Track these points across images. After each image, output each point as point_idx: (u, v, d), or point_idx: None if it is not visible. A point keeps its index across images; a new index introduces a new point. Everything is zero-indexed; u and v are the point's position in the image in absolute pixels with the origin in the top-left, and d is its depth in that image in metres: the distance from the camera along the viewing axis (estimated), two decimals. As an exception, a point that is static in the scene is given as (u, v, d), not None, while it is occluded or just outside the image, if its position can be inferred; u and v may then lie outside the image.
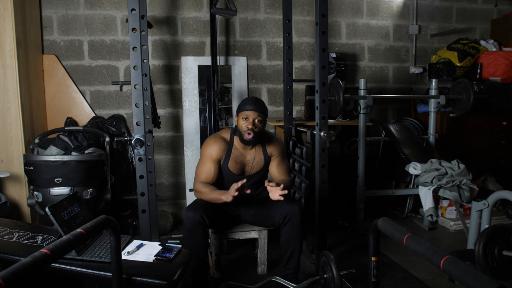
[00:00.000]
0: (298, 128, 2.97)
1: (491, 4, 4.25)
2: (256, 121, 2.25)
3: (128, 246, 1.88)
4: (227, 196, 2.08)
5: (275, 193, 2.08)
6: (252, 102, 2.28)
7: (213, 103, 3.40)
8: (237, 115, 2.32)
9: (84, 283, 2.03)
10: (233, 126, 2.38)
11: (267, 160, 2.40)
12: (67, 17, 3.35)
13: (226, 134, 2.39)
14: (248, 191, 2.08)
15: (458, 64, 3.77)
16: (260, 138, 2.34)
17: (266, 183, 2.12)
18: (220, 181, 2.36)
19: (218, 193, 2.18)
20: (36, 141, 2.84)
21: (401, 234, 1.17)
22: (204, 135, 3.52)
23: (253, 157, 2.37)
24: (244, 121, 2.25)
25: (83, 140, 2.86)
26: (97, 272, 1.67)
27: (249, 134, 2.24)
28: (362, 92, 3.24)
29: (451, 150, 3.65)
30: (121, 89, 2.92)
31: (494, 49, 3.92)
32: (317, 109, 2.45)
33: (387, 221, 1.27)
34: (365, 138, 3.30)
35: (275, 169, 2.41)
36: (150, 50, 3.47)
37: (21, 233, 1.92)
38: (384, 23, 3.99)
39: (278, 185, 2.10)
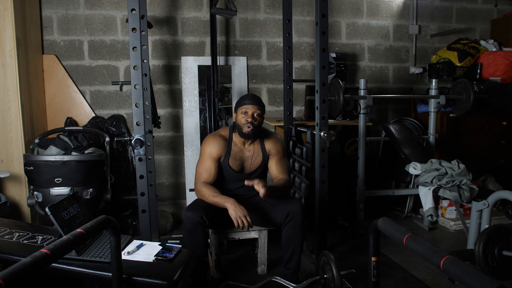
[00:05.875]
0: (298, 128, 2.97)
1: (491, 4, 4.25)
2: (255, 114, 2.29)
3: (128, 246, 1.88)
4: (236, 211, 2.11)
5: (260, 189, 2.12)
6: (250, 97, 2.33)
7: (213, 103, 3.40)
8: (236, 111, 2.35)
9: (84, 283, 2.03)
10: (232, 123, 2.39)
11: (265, 157, 2.41)
12: (67, 17, 3.35)
13: (225, 132, 2.41)
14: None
15: (458, 64, 3.76)
16: (259, 132, 2.37)
17: (247, 182, 2.16)
18: (221, 179, 2.37)
19: (222, 199, 2.18)
20: (36, 141, 2.84)
21: (401, 234, 1.17)
22: (204, 135, 3.51)
23: (252, 153, 2.38)
24: (243, 115, 2.29)
25: (83, 140, 2.86)
26: (97, 272, 1.67)
27: (248, 127, 2.27)
28: (362, 92, 3.24)
29: (451, 150, 3.65)
30: (121, 89, 2.92)
31: (494, 49, 3.92)
32: (317, 109, 2.45)
33: (387, 221, 1.27)
34: (365, 138, 3.30)
35: (273, 167, 2.41)
36: (150, 50, 3.47)
37: (21, 233, 1.92)
38: (384, 23, 3.99)
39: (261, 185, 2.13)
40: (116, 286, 1.46)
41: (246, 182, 2.16)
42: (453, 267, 0.96)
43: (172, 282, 1.63)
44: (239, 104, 2.33)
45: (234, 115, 2.38)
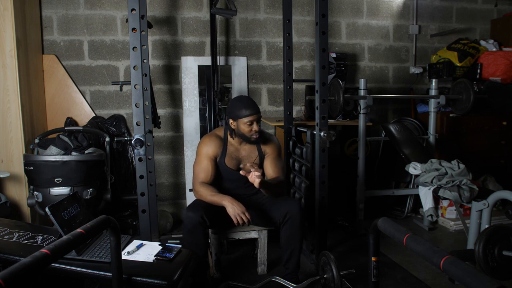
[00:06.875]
0: (298, 128, 2.97)
1: (491, 4, 4.25)
2: (258, 122, 2.29)
3: (128, 246, 1.88)
4: (233, 208, 2.13)
5: (254, 179, 2.12)
6: (249, 105, 2.27)
7: (213, 103, 3.40)
8: (235, 120, 2.28)
9: (84, 283, 2.03)
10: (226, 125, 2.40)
11: (261, 157, 2.42)
12: (67, 17, 3.35)
13: (220, 132, 2.43)
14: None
15: (458, 64, 3.76)
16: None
17: (242, 172, 2.15)
18: (219, 179, 2.38)
19: (220, 197, 2.20)
20: (36, 141, 2.84)
21: (401, 234, 1.17)
22: (204, 135, 3.52)
23: (248, 153, 2.40)
24: (249, 126, 2.26)
25: (83, 140, 2.86)
26: (97, 272, 1.67)
27: (256, 135, 2.29)
28: (362, 92, 3.24)
29: (451, 150, 3.65)
30: (121, 89, 2.92)
31: (494, 49, 3.92)
32: (317, 109, 2.45)
33: (387, 221, 1.27)
34: (365, 138, 3.30)
35: (269, 167, 2.42)
36: (150, 50, 3.47)
37: (21, 233, 1.92)
38: (384, 23, 3.99)
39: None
40: (116, 286, 1.46)
41: (241, 172, 2.16)
42: (453, 267, 0.96)
43: (172, 282, 1.63)
44: (240, 115, 2.25)
45: (231, 122, 2.31)
